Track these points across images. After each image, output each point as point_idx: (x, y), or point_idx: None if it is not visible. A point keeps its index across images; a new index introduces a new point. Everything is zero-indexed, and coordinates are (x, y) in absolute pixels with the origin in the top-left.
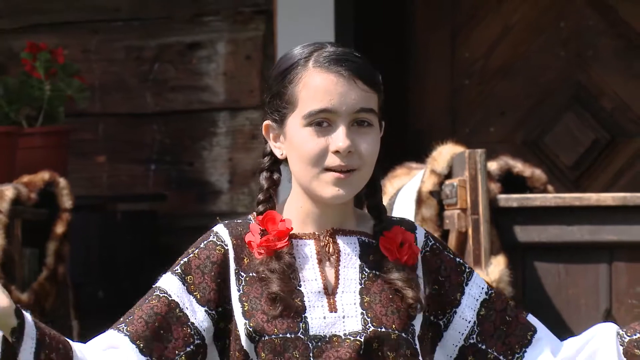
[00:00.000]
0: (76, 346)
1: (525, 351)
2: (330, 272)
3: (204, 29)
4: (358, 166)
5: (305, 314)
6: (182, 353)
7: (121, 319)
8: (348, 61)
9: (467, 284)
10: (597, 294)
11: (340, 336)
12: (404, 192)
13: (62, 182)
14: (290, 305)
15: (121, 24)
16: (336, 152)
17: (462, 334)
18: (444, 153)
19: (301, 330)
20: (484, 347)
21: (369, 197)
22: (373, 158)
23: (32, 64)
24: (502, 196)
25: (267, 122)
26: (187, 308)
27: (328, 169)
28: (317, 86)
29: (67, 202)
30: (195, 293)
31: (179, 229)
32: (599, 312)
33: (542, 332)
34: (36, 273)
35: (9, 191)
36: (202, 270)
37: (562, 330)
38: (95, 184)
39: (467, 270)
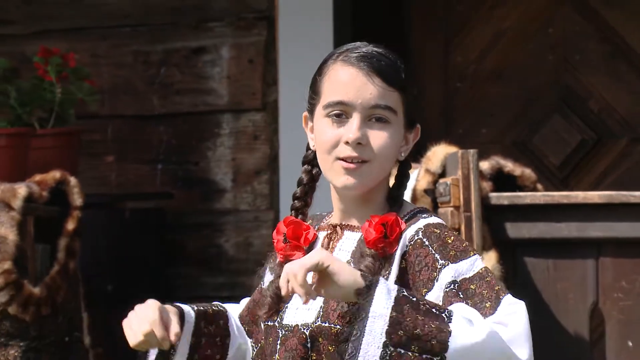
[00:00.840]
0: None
1: None
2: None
3: (209, 35)
4: (369, 158)
5: (287, 304)
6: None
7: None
8: (371, 58)
9: (437, 280)
10: (584, 288)
11: (298, 325)
12: None
13: (72, 180)
14: (279, 301)
15: (129, 30)
16: (347, 143)
17: None
18: (438, 153)
19: (277, 319)
20: None
21: (392, 189)
22: (386, 153)
23: (44, 68)
24: (493, 194)
25: (305, 112)
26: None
27: (339, 159)
28: (338, 79)
29: (77, 200)
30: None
31: (184, 226)
32: (586, 305)
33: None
34: (48, 268)
35: (21, 189)
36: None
37: (551, 323)
38: (104, 182)
39: (439, 267)
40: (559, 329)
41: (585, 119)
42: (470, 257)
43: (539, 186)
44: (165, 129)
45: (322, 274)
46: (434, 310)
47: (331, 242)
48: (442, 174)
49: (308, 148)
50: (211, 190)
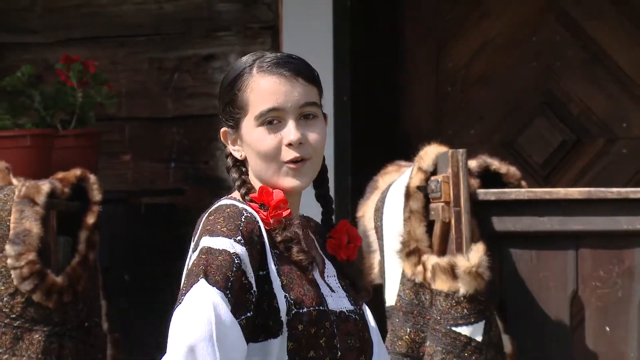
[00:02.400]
0: None
1: None
2: (318, 257)
3: (218, 43)
4: (310, 155)
5: (321, 291)
6: (243, 317)
7: (222, 283)
8: (288, 63)
9: None
10: (565, 277)
11: (344, 312)
12: (394, 187)
13: (92, 178)
14: (310, 281)
15: (144, 39)
16: (289, 145)
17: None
18: (430, 152)
19: (325, 305)
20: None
21: (318, 187)
22: (322, 146)
23: (66, 74)
24: (481, 191)
25: (223, 129)
26: (250, 276)
27: (285, 162)
28: (263, 88)
29: (96, 195)
30: (252, 262)
31: (196, 220)
32: (567, 293)
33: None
34: (69, 259)
35: (45, 186)
36: (252, 241)
37: (534, 310)
38: (121, 180)
39: None
40: (541, 316)
41: (565, 121)
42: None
43: (523, 183)
44: (178, 130)
45: None
46: None
47: (307, 236)
48: (434, 172)
49: (226, 156)
50: (219, 187)
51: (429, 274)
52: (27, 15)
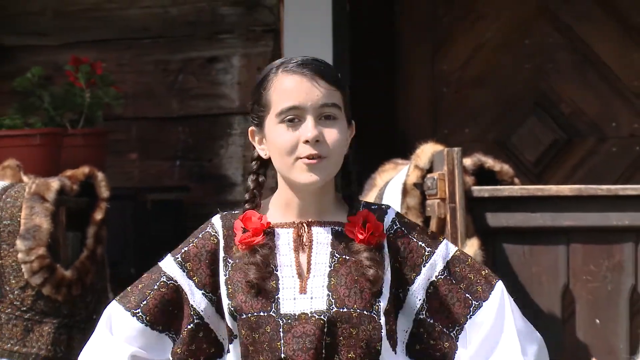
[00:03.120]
0: None
1: (463, 327)
2: (303, 258)
3: (221, 45)
4: (327, 154)
5: (278, 295)
6: (185, 329)
7: (136, 301)
8: (310, 64)
9: (424, 266)
10: (556, 272)
11: (307, 314)
12: (392, 184)
13: (100, 175)
14: (265, 288)
15: (150, 41)
16: (306, 142)
17: (414, 309)
18: (426, 151)
19: (273, 309)
20: (431, 321)
21: (344, 187)
22: (340, 147)
23: (75, 75)
24: (475, 188)
25: (251, 128)
26: (187, 291)
27: (300, 158)
28: (285, 87)
29: (104, 192)
30: (194, 278)
31: (200, 215)
32: (558, 287)
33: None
34: (78, 253)
35: (54, 183)
36: (199, 258)
37: (526, 303)
38: (128, 177)
39: (427, 253)
40: (533, 308)
41: (557, 120)
42: (441, 241)
43: (516, 180)
44: (183, 129)
45: None
46: None
47: (302, 238)
48: (430, 170)
49: (252, 160)
50: (223, 184)
51: None
52: (37, 19)
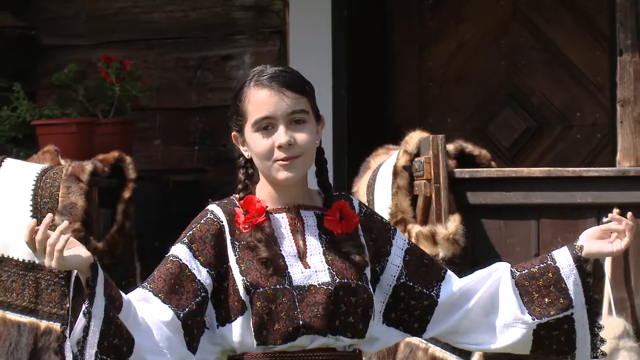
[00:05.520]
0: (124, 297)
1: (440, 284)
2: (299, 239)
3: (234, 45)
4: (300, 152)
5: (288, 271)
6: (193, 302)
7: (145, 281)
8: (278, 77)
9: (393, 238)
10: (528, 243)
11: (315, 285)
12: (384, 167)
13: (128, 159)
14: (278, 265)
15: (172, 41)
16: (279, 147)
17: (394, 276)
18: (414, 137)
19: (287, 282)
20: (410, 283)
21: (318, 177)
22: (311, 146)
23: (106, 71)
24: (457, 170)
25: (233, 133)
26: (194, 269)
27: (276, 160)
28: (257, 100)
29: (132, 174)
30: (199, 257)
31: (216, 195)
32: (530, 256)
33: (450, 272)
34: (109, 227)
35: (88, 166)
36: (204, 240)
37: None
38: (153, 160)
39: (392, 228)
40: None
41: (529, 111)
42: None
43: (493, 163)
44: (200, 119)
45: None
46: None
47: (295, 221)
48: (417, 154)
49: (239, 156)
50: (236, 167)
51: (413, 240)
52: (73, 22)
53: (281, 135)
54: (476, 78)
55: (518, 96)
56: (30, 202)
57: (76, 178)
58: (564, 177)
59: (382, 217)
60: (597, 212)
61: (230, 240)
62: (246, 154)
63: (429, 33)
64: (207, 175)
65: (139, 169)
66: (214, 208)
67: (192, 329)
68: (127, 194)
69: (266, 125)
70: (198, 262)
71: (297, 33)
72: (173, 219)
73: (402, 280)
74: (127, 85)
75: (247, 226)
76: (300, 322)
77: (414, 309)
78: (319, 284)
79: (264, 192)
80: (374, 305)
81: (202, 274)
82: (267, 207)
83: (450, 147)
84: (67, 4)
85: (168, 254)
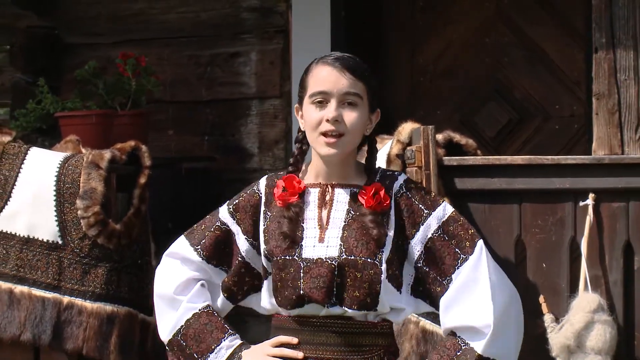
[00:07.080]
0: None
1: (451, 278)
2: (324, 213)
3: (242, 43)
4: (344, 132)
5: (302, 243)
6: (235, 263)
7: (197, 239)
8: (342, 59)
9: (422, 224)
10: (511, 225)
11: (322, 259)
12: (379, 154)
13: (143, 148)
14: (293, 239)
15: (184, 40)
16: (327, 121)
17: (414, 259)
18: (406, 128)
19: (296, 254)
20: (427, 269)
21: (367, 160)
22: (356, 128)
23: (124, 67)
24: (446, 158)
25: (296, 105)
26: (237, 235)
27: (323, 134)
28: (318, 75)
29: (147, 161)
30: (240, 225)
31: (224, 180)
32: (512, 237)
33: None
34: (126, 210)
35: (107, 154)
36: (245, 210)
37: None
38: (166, 149)
39: (425, 215)
40: (492, 255)
41: (511, 104)
42: (440, 204)
43: (479, 152)
44: (210, 111)
45: None
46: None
47: (325, 197)
48: (409, 143)
49: (299, 131)
50: (243, 155)
51: None
52: (94, 21)
53: (332, 109)
54: (463, 73)
55: (501, 90)
56: (54, 188)
57: (96, 165)
58: (543, 164)
59: (424, 201)
60: (574, 197)
61: (264, 210)
62: (301, 125)
63: (420, 33)
64: (216, 162)
65: (154, 157)
66: (262, 180)
67: (232, 286)
68: (142, 180)
69: (321, 100)
70: (240, 230)
71: (299, 32)
72: (185, 202)
73: (419, 264)
74: (143, 80)
75: (280, 202)
76: (301, 291)
77: (429, 292)
78: (325, 258)
79: (312, 167)
80: (401, 278)
81: (241, 241)
82: (304, 187)
83: (440, 137)
84: (90, 5)
85: (219, 216)
